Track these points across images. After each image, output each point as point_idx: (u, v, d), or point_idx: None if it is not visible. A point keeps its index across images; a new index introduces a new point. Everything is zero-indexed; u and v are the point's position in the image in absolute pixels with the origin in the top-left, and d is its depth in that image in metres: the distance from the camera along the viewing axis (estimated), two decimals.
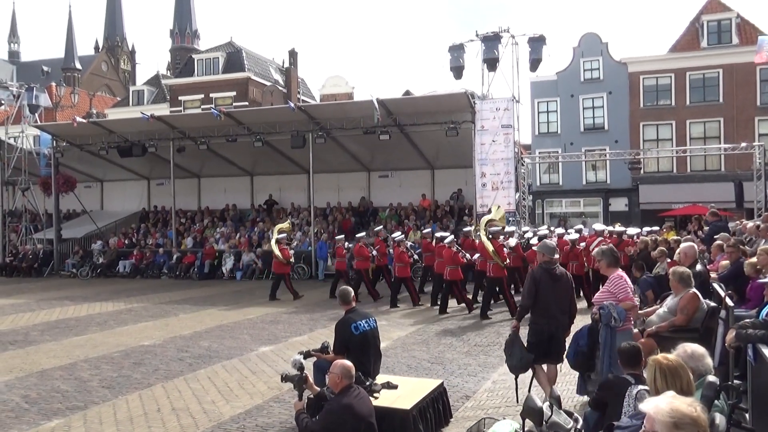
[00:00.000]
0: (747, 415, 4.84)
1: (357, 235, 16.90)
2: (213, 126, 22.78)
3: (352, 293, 6.52)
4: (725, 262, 8.81)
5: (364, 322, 6.12)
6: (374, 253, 16.17)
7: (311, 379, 5.31)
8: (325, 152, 22.61)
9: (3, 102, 28.66)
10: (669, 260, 9.90)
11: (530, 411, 3.59)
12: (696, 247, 8.73)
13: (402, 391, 5.75)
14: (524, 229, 18.48)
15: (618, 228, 17.01)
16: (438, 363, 8.97)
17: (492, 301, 13.50)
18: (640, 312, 7.57)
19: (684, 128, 30.49)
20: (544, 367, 6.64)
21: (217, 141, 23.29)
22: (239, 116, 23.24)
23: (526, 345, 6.51)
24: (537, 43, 21.13)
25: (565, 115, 32.56)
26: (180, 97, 43.74)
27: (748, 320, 5.16)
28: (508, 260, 13.31)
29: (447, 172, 24.55)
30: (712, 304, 6.69)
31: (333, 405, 4.74)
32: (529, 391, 6.68)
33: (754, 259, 7.41)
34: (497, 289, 13.63)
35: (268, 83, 43.81)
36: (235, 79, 42.74)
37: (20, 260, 25.85)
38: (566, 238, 15.63)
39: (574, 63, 32.65)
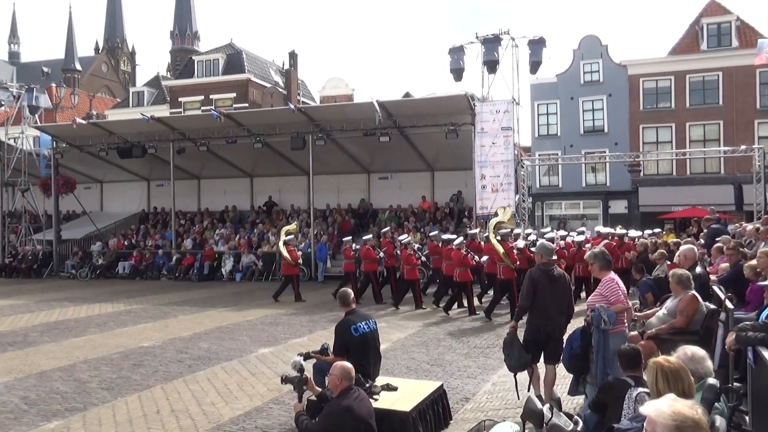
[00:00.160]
0: (747, 418, 4.85)
1: (364, 237, 16.92)
2: (213, 127, 22.79)
3: (352, 295, 6.52)
4: (725, 265, 8.82)
5: (363, 323, 6.12)
6: (381, 254, 16.16)
7: (311, 380, 5.31)
8: (324, 154, 22.62)
9: (3, 103, 28.69)
10: (669, 263, 9.90)
11: (530, 413, 3.59)
12: (696, 249, 8.74)
13: (402, 393, 5.75)
14: (528, 231, 18.49)
15: (619, 230, 17.02)
16: (437, 365, 8.97)
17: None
18: (639, 314, 7.58)
19: (684, 131, 30.51)
20: (542, 370, 6.68)
21: (216, 142, 23.29)
22: (239, 118, 23.25)
23: (523, 344, 6.58)
24: (537, 45, 21.15)
25: (564, 118, 32.59)
26: (180, 99, 43.75)
27: (748, 323, 5.16)
28: (518, 262, 13.34)
29: (447, 174, 24.55)
30: (712, 306, 6.69)
31: (333, 407, 4.74)
32: (528, 390, 6.79)
33: (753, 262, 7.41)
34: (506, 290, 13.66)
35: (268, 85, 43.83)
36: (235, 81, 42.75)
37: (20, 261, 25.83)
38: (573, 240, 15.68)
39: (574, 65, 32.69)
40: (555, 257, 6.91)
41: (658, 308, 7.18)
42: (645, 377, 4.13)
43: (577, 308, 7.68)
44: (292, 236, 17.56)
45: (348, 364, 4.90)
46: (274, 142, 22.95)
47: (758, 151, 22.16)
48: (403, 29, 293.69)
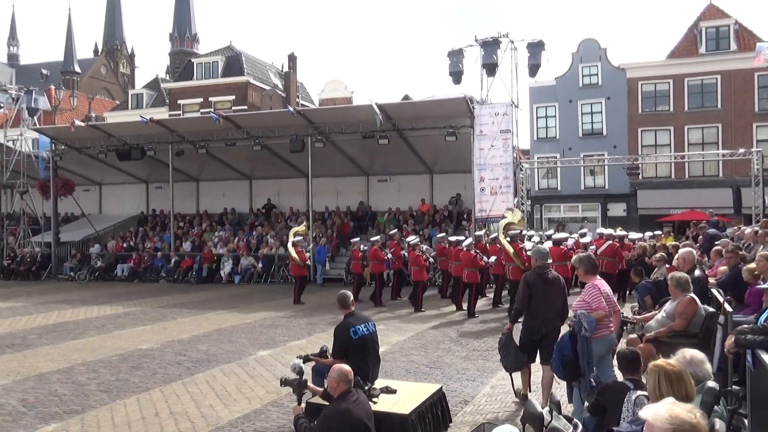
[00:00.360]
0: (746, 421, 4.85)
1: (372, 239, 16.95)
2: (212, 130, 22.78)
3: (351, 297, 6.52)
4: (723, 268, 8.83)
5: (363, 326, 6.12)
6: (389, 256, 16.16)
7: (310, 383, 5.30)
8: (324, 156, 22.63)
9: (2, 105, 28.70)
10: (668, 266, 9.92)
11: (530, 416, 3.59)
12: (694, 252, 8.76)
13: (401, 395, 5.75)
14: (530, 233, 18.52)
15: (619, 232, 17.06)
16: (436, 368, 8.96)
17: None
18: (638, 317, 7.60)
19: (682, 134, 30.56)
20: (539, 373, 6.73)
21: (216, 145, 23.29)
22: (238, 120, 23.24)
23: (519, 345, 6.84)
24: (536, 48, 21.18)
25: (563, 121, 32.62)
26: (179, 101, 43.75)
27: (746, 326, 5.16)
28: (527, 263, 13.39)
29: (446, 176, 24.55)
30: (711, 309, 6.70)
31: (331, 410, 4.73)
32: (525, 387, 7.03)
33: (752, 265, 7.41)
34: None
35: (268, 87, 43.85)
36: (234, 83, 42.77)
37: (18, 263, 25.80)
38: (581, 241, 15.74)
39: (573, 68, 32.73)
40: (549, 261, 7.07)
41: (657, 311, 7.18)
42: (644, 380, 4.14)
43: None
44: (301, 238, 17.60)
45: (346, 367, 4.89)
46: (273, 144, 22.95)
47: (756, 155, 22.20)
48: (402, 32, 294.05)
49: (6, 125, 29.13)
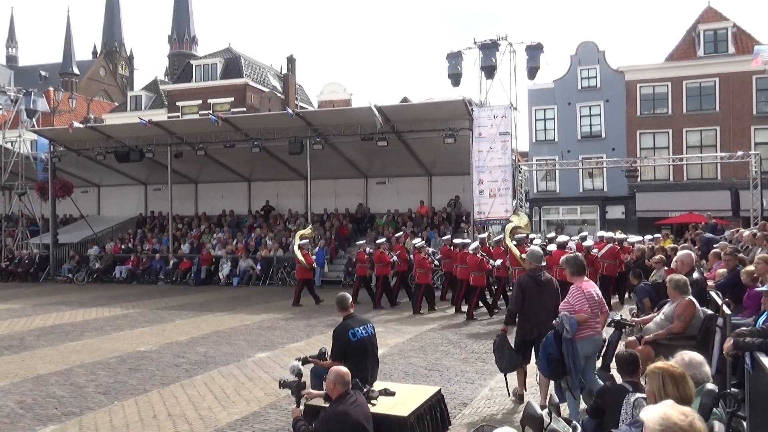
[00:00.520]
0: (744, 423, 4.85)
1: (377, 241, 16.96)
2: (211, 132, 22.78)
3: (350, 299, 6.51)
4: (722, 270, 8.83)
5: (362, 328, 6.11)
6: (395, 258, 16.17)
7: (309, 385, 5.30)
8: (322, 158, 22.63)
9: (1, 106, 28.71)
10: (666, 268, 9.92)
11: (530, 418, 3.59)
12: (693, 255, 8.76)
13: (399, 398, 5.74)
14: (531, 236, 18.53)
15: (619, 235, 17.09)
16: (435, 370, 8.95)
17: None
18: (637, 320, 7.60)
19: (680, 137, 30.60)
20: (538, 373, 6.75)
21: (214, 147, 23.29)
22: (237, 122, 23.24)
23: (513, 346, 6.97)
24: (534, 51, 21.20)
25: (562, 123, 32.64)
26: (178, 103, 43.73)
27: (745, 328, 5.16)
28: None
29: (444, 178, 24.56)
30: (709, 311, 6.70)
31: (329, 412, 4.73)
32: (521, 387, 7.12)
33: (751, 268, 7.42)
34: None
35: (266, 89, 43.85)
36: (233, 85, 42.76)
37: (16, 265, 25.75)
38: (583, 244, 15.77)
39: (572, 71, 32.77)
40: (543, 263, 7.22)
41: (656, 313, 7.19)
42: (643, 382, 4.14)
43: None
44: (307, 240, 17.61)
45: (343, 369, 4.89)
46: (272, 146, 22.96)
47: (755, 157, 22.23)
48: (401, 34, 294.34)
49: (4, 127, 29.12)
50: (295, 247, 17.06)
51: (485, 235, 17.22)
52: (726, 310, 6.34)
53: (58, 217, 27.83)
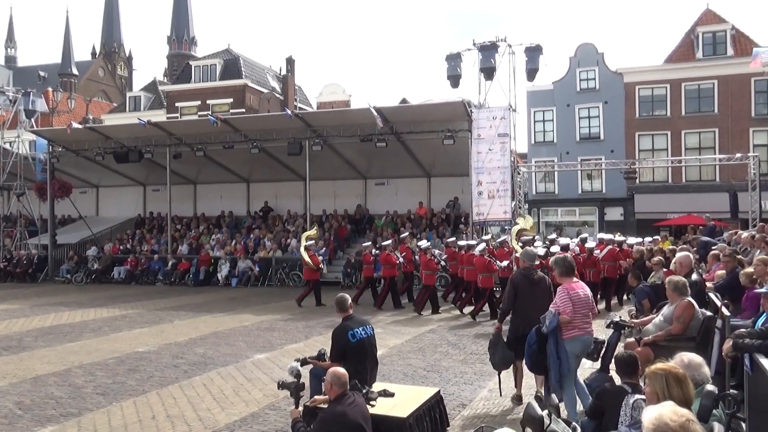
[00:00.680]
0: (744, 425, 4.85)
1: (383, 243, 16.96)
2: (209, 132, 22.77)
3: (349, 300, 6.51)
4: (721, 272, 8.84)
5: (361, 329, 6.11)
6: (401, 260, 16.16)
7: (308, 386, 5.29)
8: (321, 159, 22.63)
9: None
10: (665, 270, 9.92)
11: (530, 419, 3.59)
12: (691, 256, 8.77)
13: (398, 399, 5.74)
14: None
15: (618, 237, 17.12)
16: (434, 371, 8.95)
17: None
18: (636, 321, 7.60)
19: (679, 138, 30.64)
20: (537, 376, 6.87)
21: (213, 147, 23.28)
22: (236, 123, 23.24)
23: (506, 343, 7.08)
24: (534, 52, 21.21)
25: (561, 125, 32.68)
26: (177, 104, 43.72)
27: (744, 330, 5.17)
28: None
29: (443, 180, 24.57)
30: (708, 313, 6.70)
31: (327, 413, 4.74)
32: (518, 387, 7.21)
33: (750, 269, 7.43)
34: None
35: (265, 90, 43.86)
36: (232, 86, 42.77)
37: (15, 265, 25.72)
38: (585, 246, 15.82)
39: (571, 73, 32.81)
40: (537, 263, 7.41)
41: (655, 315, 7.19)
42: (642, 384, 4.14)
43: None
44: (313, 242, 17.60)
45: (341, 370, 4.88)
46: (271, 147, 22.96)
47: (753, 159, 22.26)
48: (400, 36, 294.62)
49: (3, 127, 29.07)
50: (302, 249, 17.06)
51: (489, 236, 17.23)
52: (725, 311, 6.35)
53: (57, 218, 27.80)
